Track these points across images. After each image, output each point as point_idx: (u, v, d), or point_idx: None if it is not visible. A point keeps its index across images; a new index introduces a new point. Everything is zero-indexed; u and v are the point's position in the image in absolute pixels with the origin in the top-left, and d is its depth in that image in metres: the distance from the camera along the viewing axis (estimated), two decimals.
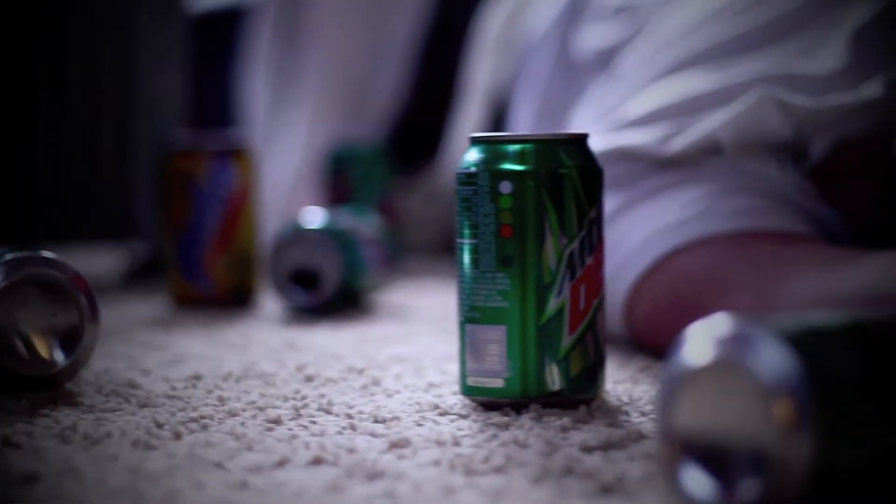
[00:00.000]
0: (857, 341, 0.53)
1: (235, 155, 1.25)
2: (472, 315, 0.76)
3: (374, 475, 0.62)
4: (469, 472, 0.62)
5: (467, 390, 0.77)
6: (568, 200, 0.75)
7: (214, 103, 1.94)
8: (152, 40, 1.61)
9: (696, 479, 0.53)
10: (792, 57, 0.98)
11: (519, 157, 0.75)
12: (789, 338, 0.52)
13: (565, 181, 0.75)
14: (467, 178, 0.76)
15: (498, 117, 1.41)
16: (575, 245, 0.75)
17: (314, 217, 1.22)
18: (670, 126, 0.96)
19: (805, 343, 0.52)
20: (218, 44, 1.94)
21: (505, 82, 1.41)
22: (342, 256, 1.17)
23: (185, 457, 0.65)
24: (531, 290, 0.75)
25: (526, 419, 0.73)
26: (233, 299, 1.24)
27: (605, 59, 1.17)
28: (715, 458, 0.53)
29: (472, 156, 0.76)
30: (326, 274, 1.17)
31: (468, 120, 1.49)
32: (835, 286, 0.83)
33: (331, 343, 1.02)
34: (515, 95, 1.34)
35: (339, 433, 0.71)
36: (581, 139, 0.77)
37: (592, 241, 0.76)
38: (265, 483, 0.61)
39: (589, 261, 0.76)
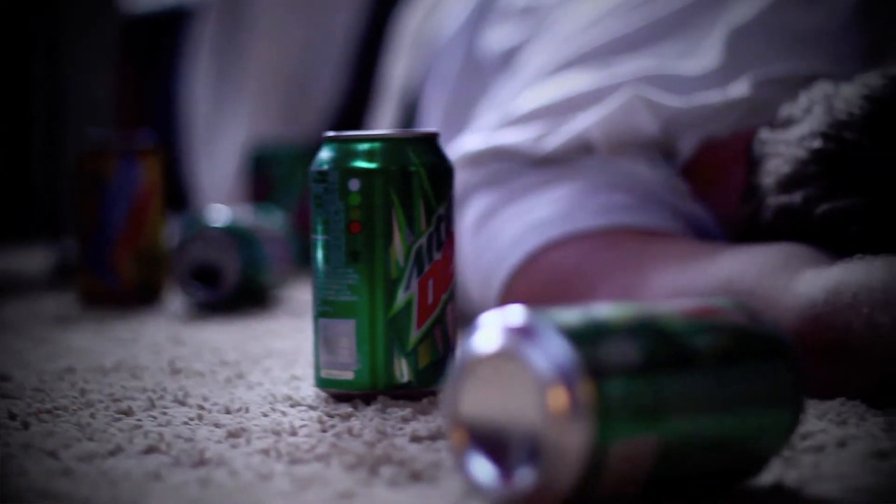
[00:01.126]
0: (637, 332, 0.55)
1: (142, 154, 1.27)
2: (325, 309, 0.78)
3: (199, 463, 0.64)
4: (293, 460, 0.64)
5: (321, 382, 0.79)
6: (416, 198, 0.77)
7: (159, 104, 1.96)
8: (82, 43, 1.63)
9: (480, 467, 0.55)
10: (671, 57, 1.01)
11: (368, 156, 0.77)
12: (568, 330, 0.54)
13: (413, 179, 0.77)
14: (319, 177, 0.78)
15: (409, 116, 1.43)
16: (423, 241, 0.77)
17: (217, 215, 1.24)
18: (545, 125, 0.98)
19: (584, 335, 0.54)
20: (162, 45, 1.96)
21: (417, 82, 1.43)
22: (242, 253, 1.19)
23: (21, 446, 0.67)
24: (379, 284, 0.77)
25: (370, 410, 0.75)
26: (140, 296, 1.25)
27: (509, 59, 1.20)
28: (497, 446, 0.55)
29: (325, 154, 0.78)
30: (226, 270, 1.19)
31: (383, 119, 1.50)
32: (691, 280, 0.85)
33: (215, 338, 1.04)
34: (425, 94, 1.36)
35: (185, 423, 0.73)
36: (430, 138, 0.79)
37: (441, 238, 0.78)
38: (89, 471, 0.62)
39: (437, 256, 0.78)
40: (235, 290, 1.19)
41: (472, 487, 0.55)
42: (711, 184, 0.96)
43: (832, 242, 0.82)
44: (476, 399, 0.55)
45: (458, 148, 1.02)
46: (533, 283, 0.93)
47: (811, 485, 0.59)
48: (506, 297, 0.95)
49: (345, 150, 0.78)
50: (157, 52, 1.96)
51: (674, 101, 0.96)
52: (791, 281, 0.79)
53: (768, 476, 0.60)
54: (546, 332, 0.54)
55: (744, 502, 0.56)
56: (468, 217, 1.00)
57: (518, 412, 0.54)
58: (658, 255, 0.89)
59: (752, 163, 0.89)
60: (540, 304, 0.92)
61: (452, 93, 1.30)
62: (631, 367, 0.54)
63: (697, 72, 0.99)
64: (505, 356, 0.54)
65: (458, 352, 0.56)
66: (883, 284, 0.74)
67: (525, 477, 0.53)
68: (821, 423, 0.71)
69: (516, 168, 0.98)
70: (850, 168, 0.82)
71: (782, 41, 0.99)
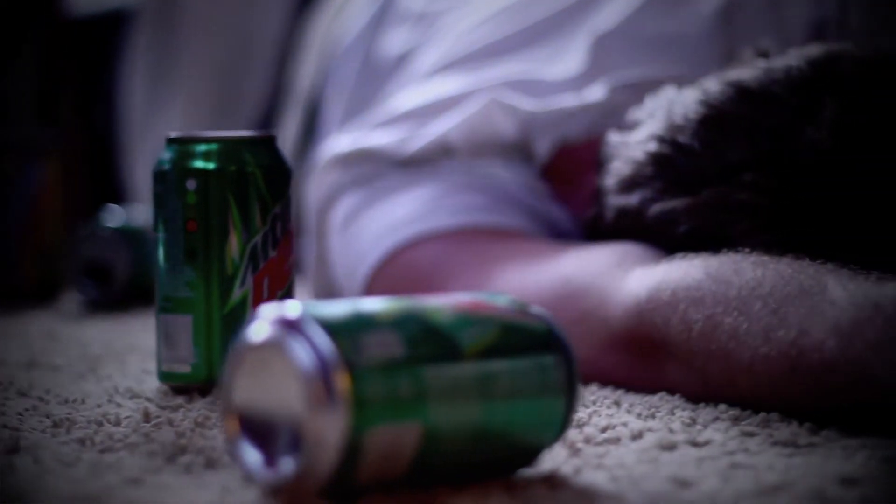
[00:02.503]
0: (401, 325, 0.58)
1: (43, 153, 1.29)
2: (165, 305, 0.81)
3: (12, 450, 0.66)
4: (103, 449, 0.67)
5: (162, 376, 0.82)
6: (251, 198, 0.80)
7: (101, 103, 1.98)
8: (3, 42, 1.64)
9: (250, 454, 0.57)
10: (539, 62, 1.03)
11: (205, 157, 0.80)
12: (330, 323, 0.56)
13: (249, 180, 0.80)
14: (159, 177, 0.81)
15: (312, 119, 1.45)
16: (258, 239, 0.80)
17: (111, 215, 1.26)
18: (410, 128, 1.01)
19: (346, 328, 0.56)
20: (106, 45, 1.98)
21: (320, 85, 1.45)
22: (132, 252, 1.21)
23: None
24: (215, 281, 0.79)
25: (201, 402, 0.77)
26: (39, 293, 1.28)
27: (402, 63, 1.22)
28: (265, 434, 0.57)
29: (165, 155, 0.81)
30: (116, 269, 1.21)
31: (288, 122, 1.53)
32: (533, 279, 0.87)
33: (89, 333, 1.06)
34: (325, 98, 1.38)
35: (19, 414, 0.75)
36: (268, 140, 0.82)
37: (276, 236, 0.80)
38: None
39: (272, 254, 0.80)
40: (125, 288, 1.21)
41: (244, 474, 0.57)
42: (568, 185, 0.98)
43: (665, 242, 0.84)
44: (247, 388, 0.58)
45: (328, 149, 1.05)
46: (390, 281, 0.96)
47: (584, 474, 0.61)
48: (367, 294, 0.97)
49: (184, 151, 0.80)
50: (101, 52, 1.98)
51: (530, 105, 0.98)
52: (621, 279, 0.82)
53: (547, 465, 0.63)
54: (310, 326, 0.56)
55: (510, 490, 0.59)
56: (337, 217, 1.02)
57: (282, 402, 0.56)
58: (507, 254, 0.91)
59: (600, 165, 0.92)
60: None
61: (350, 96, 1.32)
62: (391, 359, 0.56)
63: (561, 77, 1.01)
64: (271, 347, 0.56)
65: (233, 342, 0.59)
66: (697, 283, 0.76)
67: (287, 464, 0.56)
68: (628, 416, 0.74)
69: (381, 169, 1.01)
70: (682, 170, 0.85)
71: (643, 47, 1.01)
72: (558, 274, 0.87)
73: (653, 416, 0.74)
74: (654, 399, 0.78)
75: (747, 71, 0.87)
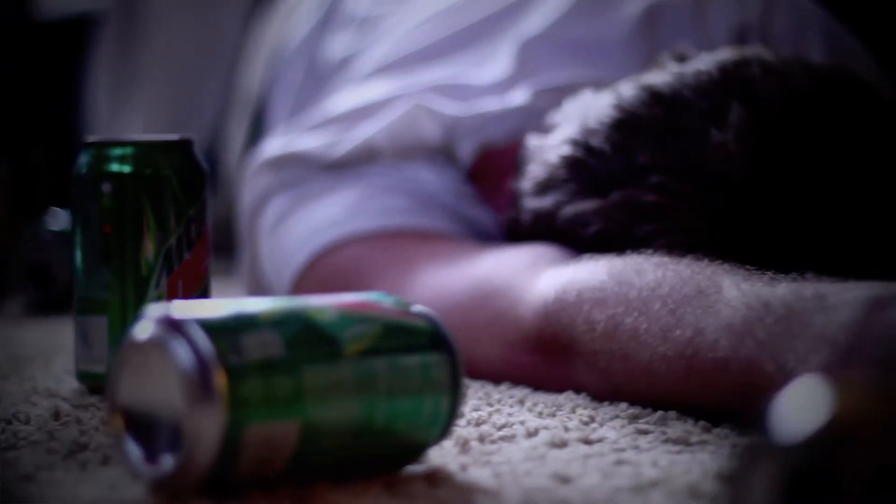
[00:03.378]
0: (282, 325, 0.59)
1: None
2: (82, 306, 0.82)
3: None
4: (7, 446, 0.68)
5: (79, 375, 0.83)
6: (166, 201, 0.81)
7: (69, 108, 1.99)
8: None
9: (134, 451, 0.59)
10: (467, 66, 1.05)
11: (120, 160, 0.81)
12: (211, 324, 0.57)
13: (164, 183, 0.81)
14: (76, 180, 0.82)
15: (259, 124, 1.47)
16: (172, 242, 0.81)
17: (54, 218, 1.27)
18: (338, 132, 1.02)
19: (226, 328, 0.58)
20: (73, 51, 1.99)
21: (267, 89, 1.46)
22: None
23: None
24: (130, 283, 0.81)
25: None
26: None
27: (345, 67, 1.24)
28: (148, 431, 0.58)
29: (83, 159, 0.82)
30: (58, 272, 1.22)
31: (237, 128, 1.54)
32: (451, 280, 0.89)
33: (25, 335, 1.08)
34: (272, 102, 1.40)
35: None
36: (183, 144, 0.83)
37: (191, 238, 0.82)
38: None
39: (187, 256, 0.82)
40: (66, 291, 1.22)
41: (129, 471, 0.59)
42: (491, 187, 1.00)
43: (577, 243, 0.85)
44: (131, 386, 0.59)
45: (260, 153, 1.06)
46: (315, 282, 0.97)
47: (469, 471, 0.63)
48: (295, 295, 0.98)
49: (100, 155, 0.81)
50: (68, 57, 1.99)
51: (453, 110, 1.00)
52: (532, 281, 0.83)
53: (436, 461, 0.64)
54: (190, 326, 0.57)
55: (389, 486, 0.60)
56: (267, 219, 1.03)
57: (164, 399, 0.57)
58: (426, 256, 0.93)
59: (518, 168, 0.93)
60: None
61: (295, 99, 1.34)
62: (270, 358, 0.58)
63: (487, 81, 1.03)
64: (153, 346, 0.58)
65: (121, 340, 0.60)
66: (600, 284, 0.78)
67: (167, 461, 0.57)
68: (528, 414, 0.75)
69: (310, 173, 1.02)
70: (593, 173, 0.86)
71: (568, 51, 1.03)
72: (474, 275, 0.88)
73: (553, 415, 0.75)
74: (560, 398, 0.79)
75: (661, 75, 0.88)
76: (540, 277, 0.83)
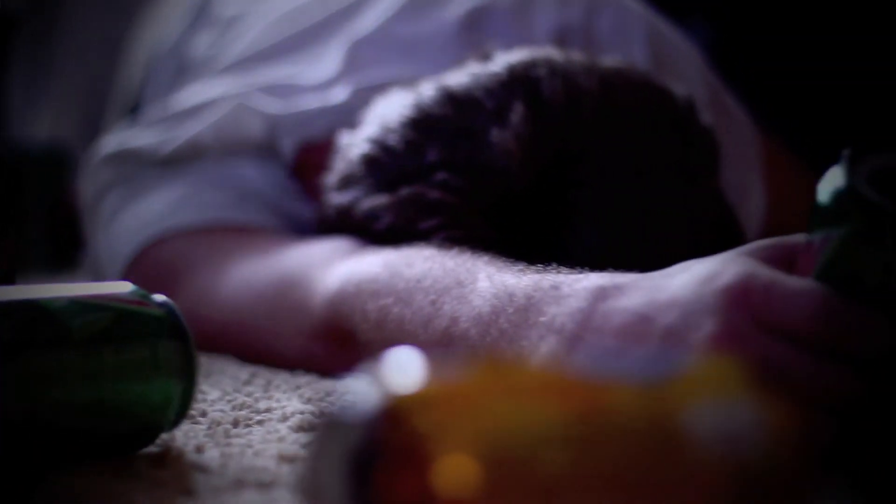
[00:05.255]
0: (10, 313, 0.62)
1: None
2: None
3: None
4: None
5: None
6: None
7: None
8: None
9: None
10: (302, 66, 1.08)
11: None
12: None
13: None
14: None
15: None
16: None
17: None
18: (169, 129, 1.05)
19: None
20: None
21: (140, 89, 1.49)
22: None
23: None
24: None
25: None
26: None
27: (205, 66, 1.26)
28: None
29: None
30: None
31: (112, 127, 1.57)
32: (259, 272, 0.92)
33: None
34: (143, 102, 1.42)
35: None
36: None
37: None
38: None
39: None
40: None
41: None
42: (312, 183, 1.03)
43: (372, 238, 0.89)
44: None
45: (99, 147, 1.09)
46: (140, 276, 1.00)
47: (204, 453, 0.66)
48: None
49: None
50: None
51: (275, 108, 1.03)
52: (324, 273, 0.86)
53: (178, 443, 0.67)
54: None
55: (117, 468, 0.63)
56: (103, 214, 1.06)
57: None
58: (241, 249, 0.96)
59: (330, 163, 0.96)
60: None
61: (164, 100, 1.36)
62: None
63: (316, 80, 1.06)
64: None
65: None
66: (375, 275, 0.81)
67: None
68: (297, 400, 0.78)
69: (142, 168, 1.05)
70: (387, 170, 0.89)
71: (395, 51, 1.06)
72: (279, 268, 0.91)
73: (320, 400, 0.78)
74: (337, 384, 0.82)
75: (459, 76, 0.91)
76: (330, 270, 0.86)
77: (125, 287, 0.66)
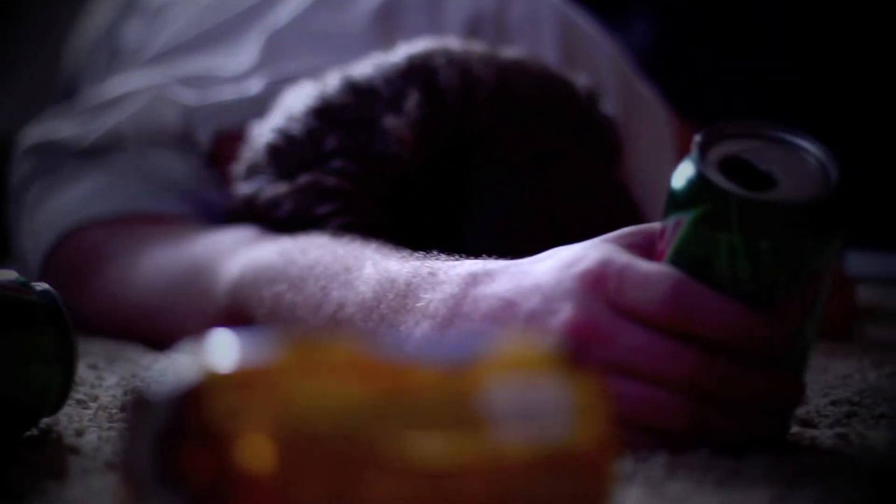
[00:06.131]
0: None
1: None
2: None
3: None
4: None
5: None
6: None
7: None
8: None
9: None
10: (222, 57, 1.10)
11: None
12: None
13: None
14: None
15: None
16: None
17: None
18: (90, 120, 1.07)
19: None
20: None
21: (78, 79, 1.51)
22: None
23: None
24: None
25: None
26: None
27: (134, 56, 1.28)
28: None
29: None
30: None
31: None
32: (168, 261, 0.95)
33: None
34: (80, 92, 1.44)
35: None
36: None
37: None
38: None
39: None
40: None
41: None
42: (228, 173, 1.05)
43: (274, 226, 0.91)
44: None
45: (24, 138, 1.11)
46: (58, 265, 1.02)
47: (84, 436, 0.68)
48: (43, 279, 1.03)
49: None
50: None
51: (191, 100, 1.05)
52: (227, 260, 0.88)
53: (63, 426, 0.69)
54: None
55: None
56: (26, 204, 1.08)
57: None
58: (154, 238, 0.98)
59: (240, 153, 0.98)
60: (66, 287, 1.02)
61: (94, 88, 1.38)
62: None
63: (234, 72, 1.08)
64: None
65: None
66: (271, 263, 0.83)
67: None
68: None
69: (65, 159, 1.07)
70: (288, 159, 0.91)
71: (310, 43, 1.08)
72: (188, 256, 0.93)
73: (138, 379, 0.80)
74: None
75: (363, 66, 0.93)
76: (232, 258, 0.88)
77: (8, 275, 0.68)
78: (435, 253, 0.75)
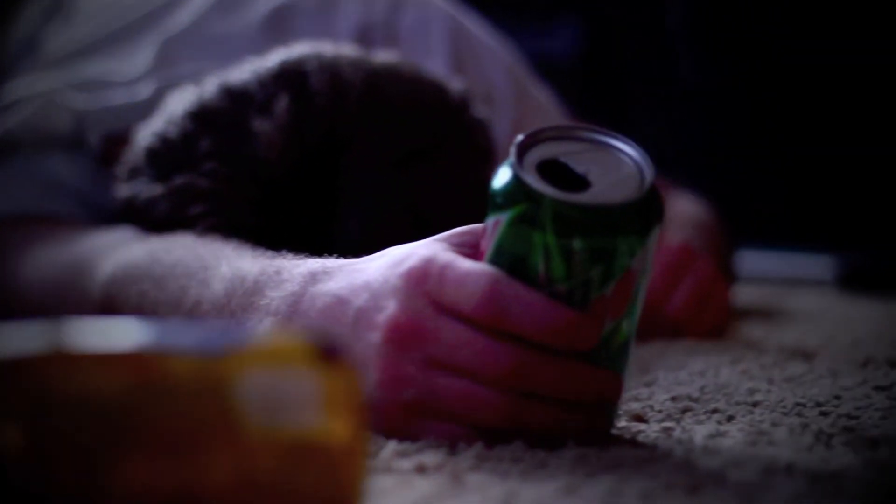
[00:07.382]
0: None
1: None
2: None
3: None
4: None
5: None
6: None
7: None
8: None
9: None
10: (117, 61, 1.12)
11: None
12: None
13: None
14: None
15: None
16: None
17: None
18: None
19: None
20: None
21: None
22: None
23: None
24: None
25: None
26: None
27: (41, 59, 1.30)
28: None
29: None
30: None
31: None
32: (50, 259, 0.97)
33: None
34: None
35: None
36: None
37: None
38: None
39: None
40: None
41: None
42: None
43: (151, 226, 0.93)
44: None
45: None
46: None
47: None
48: None
49: None
50: None
51: (82, 104, 1.07)
52: (104, 260, 0.90)
53: None
54: None
55: None
56: None
57: None
58: (41, 238, 1.00)
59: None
60: None
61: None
62: None
63: (128, 76, 1.10)
64: None
65: None
66: (138, 262, 0.85)
67: None
68: None
69: None
70: (165, 161, 0.94)
71: (204, 48, 1.10)
72: (70, 256, 0.96)
73: None
74: None
75: (240, 71, 0.96)
76: (108, 257, 0.90)
77: None
78: (283, 252, 0.77)
